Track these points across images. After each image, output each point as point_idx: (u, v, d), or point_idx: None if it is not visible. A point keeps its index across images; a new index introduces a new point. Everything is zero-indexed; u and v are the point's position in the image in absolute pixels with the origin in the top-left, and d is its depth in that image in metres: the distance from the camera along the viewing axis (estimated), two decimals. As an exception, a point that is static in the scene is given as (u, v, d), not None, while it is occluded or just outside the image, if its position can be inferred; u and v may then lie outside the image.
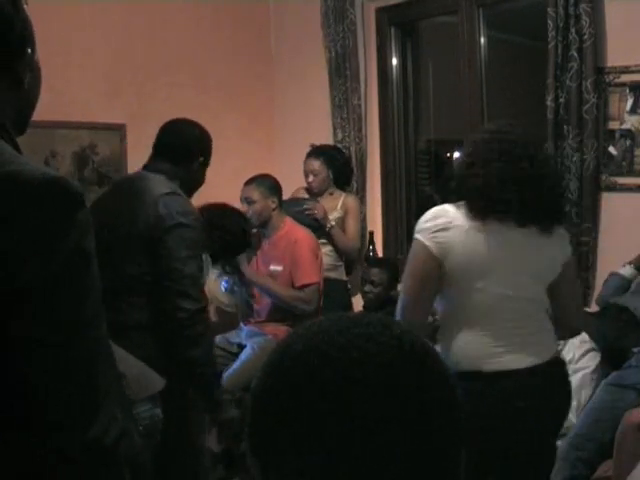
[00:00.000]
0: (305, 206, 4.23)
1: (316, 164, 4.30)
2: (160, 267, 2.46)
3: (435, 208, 2.27)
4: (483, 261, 2.17)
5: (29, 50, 1.22)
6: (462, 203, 2.22)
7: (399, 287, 2.33)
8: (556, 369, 2.26)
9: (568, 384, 2.30)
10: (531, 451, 2.22)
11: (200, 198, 4.66)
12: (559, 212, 2.28)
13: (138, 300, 2.50)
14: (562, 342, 3.34)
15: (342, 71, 4.57)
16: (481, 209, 2.16)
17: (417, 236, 2.22)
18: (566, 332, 2.45)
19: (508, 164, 2.19)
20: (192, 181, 2.74)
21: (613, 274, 3.36)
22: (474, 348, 2.17)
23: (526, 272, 2.22)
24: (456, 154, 2.40)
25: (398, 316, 2.20)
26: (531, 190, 2.17)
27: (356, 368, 0.75)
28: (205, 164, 2.79)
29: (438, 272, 2.18)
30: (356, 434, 0.73)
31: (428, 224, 2.20)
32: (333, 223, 4.26)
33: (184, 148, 2.73)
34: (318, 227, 4.19)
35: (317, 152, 4.36)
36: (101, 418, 1.07)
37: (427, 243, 2.18)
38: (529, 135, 2.30)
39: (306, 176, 4.33)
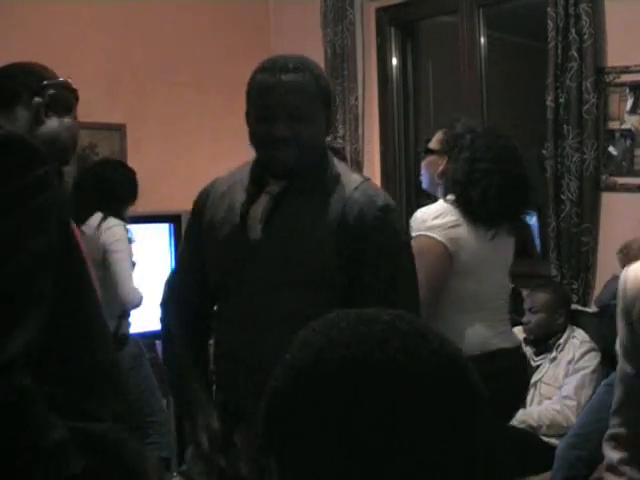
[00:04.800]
0: None
1: None
2: None
3: (436, 206, 2.36)
4: (484, 255, 2.34)
5: (47, 95, 1.65)
6: (453, 199, 2.36)
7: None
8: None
9: None
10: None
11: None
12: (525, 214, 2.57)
13: None
14: (562, 342, 3.35)
15: (340, 71, 4.57)
16: (477, 216, 2.33)
17: (428, 233, 2.26)
18: None
19: (505, 177, 2.37)
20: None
21: (615, 278, 3.34)
22: (481, 333, 2.31)
23: (506, 264, 2.49)
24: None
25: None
26: (515, 199, 2.42)
27: (394, 386, 0.74)
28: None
29: (451, 268, 2.30)
30: (389, 448, 0.73)
31: (438, 221, 2.28)
32: None
33: None
34: None
35: (337, 154, 4.21)
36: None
37: (442, 240, 2.27)
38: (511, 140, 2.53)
39: None
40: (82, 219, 3.42)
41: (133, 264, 3.52)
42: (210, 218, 1.88)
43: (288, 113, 1.74)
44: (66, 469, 1.16)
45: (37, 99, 1.65)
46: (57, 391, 1.20)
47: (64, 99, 1.73)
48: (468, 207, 2.33)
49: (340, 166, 1.89)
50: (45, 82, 1.69)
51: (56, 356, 1.22)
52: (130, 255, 3.49)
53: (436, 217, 2.30)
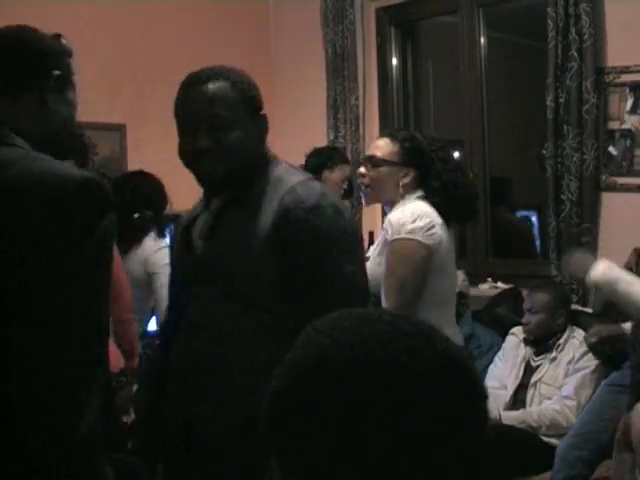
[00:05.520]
0: None
1: (348, 171, 3.92)
2: None
3: (415, 208, 2.41)
4: (451, 252, 2.45)
5: (54, 75, 1.35)
6: (425, 201, 2.41)
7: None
8: None
9: None
10: None
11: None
12: None
13: None
14: (562, 342, 3.35)
15: (340, 71, 4.57)
16: (454, 215, 2.44)
17: (409, 236, 2.30)
18: None
19: (459, 175, 2.51)
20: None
21: None
22: (450, 324, 2.39)
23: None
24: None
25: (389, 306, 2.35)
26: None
27: (396, 387, 0.74)
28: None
29: (430, 267, 2.35)
30: (390, 448, 0.73)
31: (418, 224, 2.32)
32: None
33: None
34: None
35: (338, 154, 4.03)
36: None
37: (425, 241, 2.33)
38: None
39: (340, 182, 3.85)
40: (139, 241, 3.45)
41: None
42: (174, 249, 1.97)
43: (207, 123, 1.72)
44: None
45: (55, 73, 1.33)
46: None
47: (70, 72, 1.40)
48: (448, 209, 2.42)
49: (284, 169, 1.77)
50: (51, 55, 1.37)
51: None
52: None
53: (414, 220, 2.34)
